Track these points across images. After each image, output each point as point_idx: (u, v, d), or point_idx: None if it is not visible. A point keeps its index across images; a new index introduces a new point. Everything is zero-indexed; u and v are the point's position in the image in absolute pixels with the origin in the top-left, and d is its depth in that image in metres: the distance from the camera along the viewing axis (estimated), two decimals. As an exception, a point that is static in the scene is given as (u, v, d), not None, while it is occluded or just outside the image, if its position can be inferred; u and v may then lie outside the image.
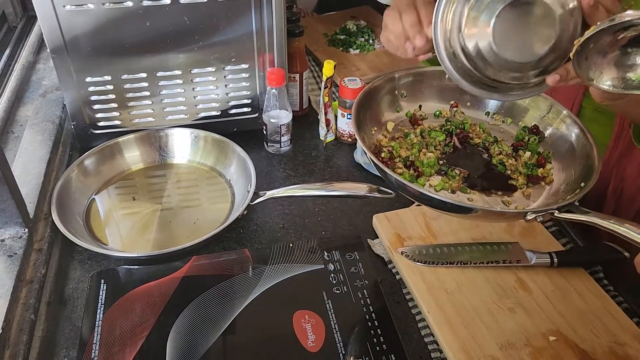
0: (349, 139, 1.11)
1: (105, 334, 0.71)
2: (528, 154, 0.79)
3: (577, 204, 0.64)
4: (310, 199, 0.97)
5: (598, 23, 0.53)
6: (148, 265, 0.82)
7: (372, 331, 0.71)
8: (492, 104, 0.85)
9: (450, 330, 0.72)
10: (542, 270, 0.79)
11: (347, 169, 1.06)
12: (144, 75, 0.99)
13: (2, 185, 0.75)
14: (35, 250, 0.81)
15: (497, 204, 0.72)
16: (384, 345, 0.70)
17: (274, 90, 1.02)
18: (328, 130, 1.10)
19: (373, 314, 0.74)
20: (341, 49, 1.40)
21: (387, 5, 1.01)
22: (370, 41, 1.41)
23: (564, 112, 0.79)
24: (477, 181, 0.76)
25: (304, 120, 1.17)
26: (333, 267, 0.80)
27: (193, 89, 1.03)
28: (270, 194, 0.90)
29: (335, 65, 1.04)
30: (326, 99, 1.06)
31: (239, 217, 0.86)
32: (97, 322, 0.72)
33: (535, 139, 0.80)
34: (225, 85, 1.04)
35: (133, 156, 1.02)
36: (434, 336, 0.73)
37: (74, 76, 0.97)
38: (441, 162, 0.77)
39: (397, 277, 0.82)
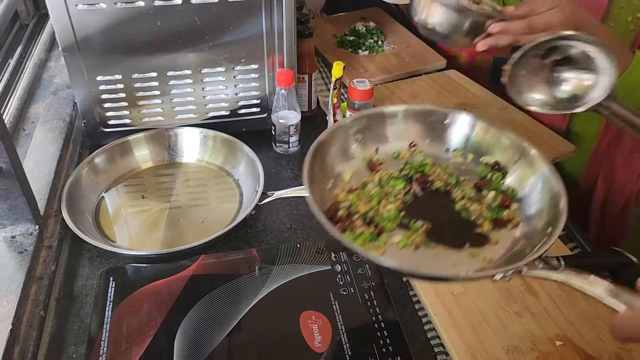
0: (357, 140, 1.11)
1: (113, 332, 0.71)
2: (492, 194, 0.70)
3: (546, 255, 0.58)
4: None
5: (521, 48, 0.55)
6: (156, 263, 0.83)
7: (378, 332, 0.72)
8: (452, 139, 0.76)
9: (457, 333, 0.72)
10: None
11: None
12: (154, 74, 1.00)
13: (13, 182, 0.76)
14: (45, 247, 0.82)
15: (465, 256, 0.64)
16: (390, 347, 0.70)
17: (283, 91, 1.02)
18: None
19: (379, 316, 0.74)
20: (350, 50, 1.40)
21: (395, 6, 1.02)
22: (380, 42, 1.42)
23: (532, 151, 0.69)
24: (442, 233, 0.67)
25: (313, 121, 1.18)
26: (340, 269, 0.80)
27: (203, 88, 1.04)
28: (278, 194, 0.91)
29: (344, 67, 1.05)
30: (335, 100, 1.06)
31: (247, 216, 0.87)
32: (105, 320, 0.73)
33: (498, 176, 0.72)
34: (235, 86, 1.05)
35: (142, 155, 1.03)
36: (440, 339, 0.73)
37: (85, 74, 0.97)
38: (403, 213, 0.68)
39: (404, 279, 0.82)
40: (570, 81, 0.61)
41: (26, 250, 0.78)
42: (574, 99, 0.63)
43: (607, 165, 0.95)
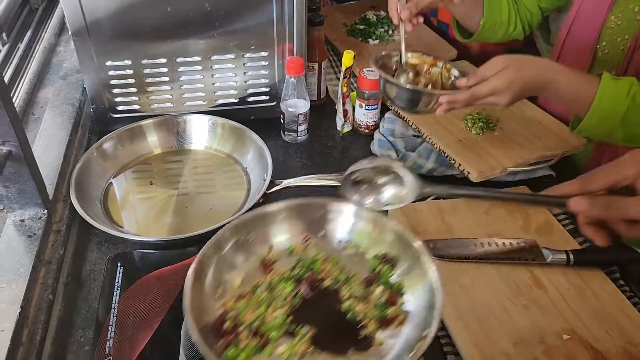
0: (366, 130, 1.10)
1: (120, 317, 0.72)
2: (380, 289, 0.68)
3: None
4: (326, 189, 0.97)
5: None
6: (164, 249, 0.83)
7: (385, 323, 0.71)
8: (343, 231, 0.74)
9: (463, 325, 0.72)
10: (558, 268, 0.79)
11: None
12: (163, 60, 0.99)
13: (23, 166, 0.76)
14: (54, 232, 0.82)
15: None
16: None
17: (292, 79, 1.01)
18: (345, 121, 1.10)
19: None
20: (360, 39, 1.39)
21: None
22: (390, 32, 1.40)
23: (415, 245, 0.68)
24: (327, 338, 0.64)
25: (322, 110, 1.17)
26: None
27: (212, 75, 1.03)
28: (286, 182, 0.91)
29: (354, 56, 1.04)
30: (344, 89, 1.05)
31: (255, 204, 0.87)
32: (113, 305, 0.73)
33: (387, 268, 0.70)
34: (244, 73, 1.04)
35: (151, 141, 1.03)
36: (446, 330, 0.73)
37: (95, 59, 0.97)
38: (290, 318, 0.65)
39: (411, 270, 0.82)
40: (388, 190, 0.70)
41: (35, 234, 0.78)
42: (392, 200, 0.71)
43: (609, 156, 0.95)
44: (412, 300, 0.66)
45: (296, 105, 1.05)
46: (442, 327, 0.74)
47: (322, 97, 1.18)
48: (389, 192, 0.69)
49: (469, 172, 0.91)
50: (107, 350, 0.68)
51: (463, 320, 0.72)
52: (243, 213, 0.85)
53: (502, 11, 1.08)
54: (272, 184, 0.91)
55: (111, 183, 0.96)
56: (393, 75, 0.94)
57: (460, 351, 0.70)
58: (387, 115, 1.09)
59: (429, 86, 0.93)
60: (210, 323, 0.63)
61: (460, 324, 0.72)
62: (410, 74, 0.94)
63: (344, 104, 1.07)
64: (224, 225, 0.82)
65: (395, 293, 0.67)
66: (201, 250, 0.67)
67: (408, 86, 0.90)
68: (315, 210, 0.74)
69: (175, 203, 0.94)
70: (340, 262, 0.72)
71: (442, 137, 0.98)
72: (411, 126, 1.05)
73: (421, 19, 0.99)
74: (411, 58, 0.95)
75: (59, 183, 0.88)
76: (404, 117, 1.06)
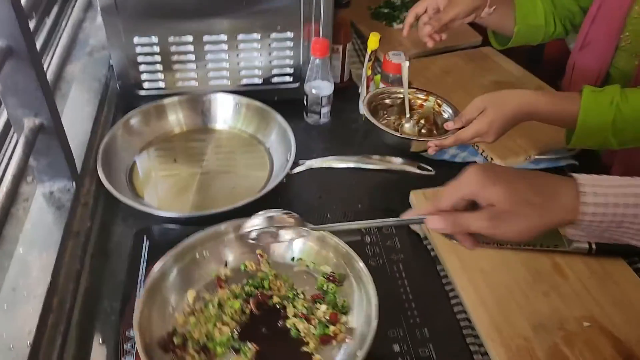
0: (389, 114, 1.10)
1: (147, 289, 0.73)
2: (324, 307, 0.71)
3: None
4: (348, 171, 0.98)
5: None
6: (187, 225, 0.84)
7: (406, 304, 0.73)
8: (296, 248, 0.78)
9: (483, 308, 0.72)
10: (580, 257, 0.79)
11: (385, 144, 1.05)
12: (190, 38, 1.00)
13: (53, 139, 0.77)
14: (81, 204, 0.84)
15: None
16: (417, 319, 0.71)
17: (317, 61, 1.01)
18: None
19: (408, 287, 0.75)
20: (384, 22, 1.38)
21: None
22: (414, 16, 1.39)
23: (359, 264, 0.71)
24: (270, 355, 0.67)
25: (344, 93, 1.17)
26: (370, 240, 0.81)
27: (237, 55, 1.04)
28: (309, 163, 0.91)
29: (380, 39, 1.03)
30: (369, 72, 1.05)
31: (278, 184, 0.88)
32: (139, 277, 0.75)
33: (333, 287, 0.73)
34: (269, 53, 1.05)
35: (176, 118, 1.04)
36: (466, 313, 0.74)
37: (122, 36, 0.98)
38: (237, 335, 0.69)
39: (432, 253, 0.82)
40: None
41: (64, 206, 0.80)
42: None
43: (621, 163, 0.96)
44: (355, 318, 0.69)
45: (320, 87, 1.05)
46: (462, 310, 0.74)
47: (345, 80, 1.18)
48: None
49: (492, 159, 0.91)
50: (133, 320, 0.70)
51: (483, 303, 0.73)
52: (266, 192, 0.87)
53: (537, 15, 1.06)
54: (295, 164, 0.91)
55: (136, 159, 0.98)
56: (386, 113, 1.03)
57: (479, 333, 0.71)
58: (411, 99, 1.09)
59: (422, 121, 1.01)
60: (160, 338, 0.66)
61: (480, 307, 0.72)
62: (413, 123, 1.00)
63: (367, 87, 1.07)
64: (246, 204, 0.84)
65: (336, 313, 0.70)
66: (155, 265, 0.70)
67: (399, 135, 0.95)
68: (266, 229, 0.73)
69: (199, 181, 0.95)
70: (290, 280, 0.75)
71: (466, 123, 0.98)
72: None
73: (444, 36, 1.05)
74: (406, 93, 1.02)
75: (86, 157, 0.89)
76: (427, 102, 1.06)
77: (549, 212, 0.53)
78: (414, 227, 0.86)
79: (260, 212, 0.67)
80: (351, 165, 0.91)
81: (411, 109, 1.02)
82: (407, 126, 1.00)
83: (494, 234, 0.55)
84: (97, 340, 0.71)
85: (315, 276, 0.75)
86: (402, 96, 1.02)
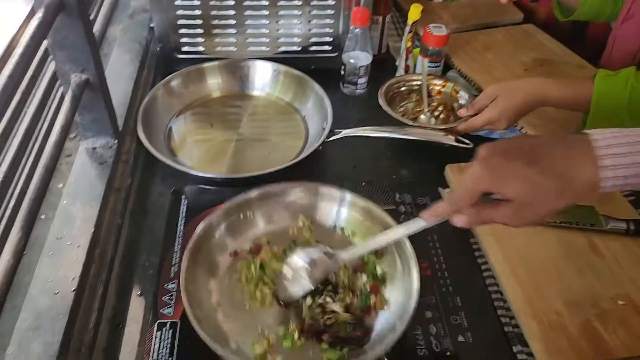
0: (426, 88, 1.10)
1: (185, 245, 0.75)
2: (364, 278, 0.71)
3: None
4: (383, 143, 0.98)
5: None
6: (222, 187, 0.85)
7: (438, 272, 0.73)
8: (340, 216, 0.78)
9: (517, 282, 0.72)
10: (616, 237, 0.78)
11: None
12: (231, 2, 1.00)
13: (98, 95, 0.79)
14: (122, 162, 0.86)
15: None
16: (450, 288, 0.72)
17: (357, 30, 1.01)
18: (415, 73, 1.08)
19: (441, 257, 0.75)
20: (424, -4, 1.36)
21: None
22: (455, -10, 1.37)
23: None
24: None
25: (381, 65, 1.16)
26: (404, 209, 0.81)
27: (277, 22, 1.04)
28: (345, 132, 0.92)
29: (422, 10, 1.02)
30: (409, 44, 1.04)
31: (313, 152, 0.88)
32: (178, 234, 0.77)
33: (373, 259, 0.73)
34: (309, 21, 1.04)
35: (215, 83, 1.05)
36: (498, 286, 0.74)
37: (165, -2, 0.99)
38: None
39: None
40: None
41: (106, 162, 0.82)
42: None
43: None
44: (396, 291, 0.69)
45: (358, 57, 1.04)
46: (494, 282, 0.75)
47: (382, 51, 1.17)
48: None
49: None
50: (171, 274, 0.72)
51: (516, 277, 0.73)
52: (302, 159, 0.87)
53: None
54: (331, 132, 0.92)
55: (175, 121, 0.99)
56: (404, 101, 1.04)
57: (511, 306, 0.71)
58: (450, 73, 1.08)
59: (440, 107, 1.03)
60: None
61: (513, 281, 0.73)
62: (428, 115, 1.01)
63: (406, 59, 1.06)
64: (283, 169, 0.85)
65: (376, 285, 0.70)
66: (197, 230, 0.71)
67: (413, 124, 0.95)
68: (311, 194, 0.78)
69: (234, 146, 0.96)
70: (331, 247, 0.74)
71: (506, 99, 0.97)
72: (474, 86, 1.03)
73: None
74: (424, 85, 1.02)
75: (126, 117, 0.91)
76: (467, 77, 1.05)
77: (569, 192, 0.51)
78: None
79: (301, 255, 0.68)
80: (387, 135, 0.91)
81: (429, 95, 1.03)
82: (423, 118, 1.01)
83: (518, 224, 0.55)
84: (136, 292, 0.73)
85: (356, 244, 0.75)
86: (419, 83, 1.03)
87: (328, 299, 0.68)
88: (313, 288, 0.66)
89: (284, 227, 0.78)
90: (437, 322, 0.68)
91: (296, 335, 0.64)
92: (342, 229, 0.78)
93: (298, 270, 0.66)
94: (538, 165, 0.51)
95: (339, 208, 0.78)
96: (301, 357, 0.64)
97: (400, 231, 0.65)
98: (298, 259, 0.67)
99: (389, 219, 0.73)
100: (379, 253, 0.73)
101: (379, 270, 0.72)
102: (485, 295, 0.73)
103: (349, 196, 0.77)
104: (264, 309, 0.68)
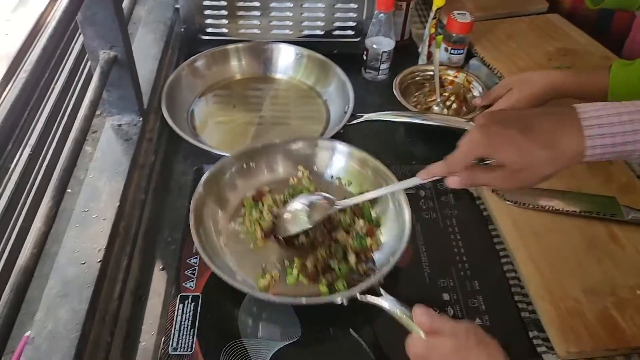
0: (448, 75, 1.09)
1: (207, 222, 0.76)
2: (361, 222, 0.76)
3: (381, 282, 0.64)
4: (404, 128, 0.98)
5: None
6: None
7: (457, 257, 0.74)
8: (337, 166, 0.84)
9: (535, 268, 0.73)
10: (637, 227, 0.78)
11: None
12: (256, -15, 1.01)
13: (126, 72, 0.80)
14: (146, 139, 0.87)
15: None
16: (468, 272, 0.72)
17: (381, 15, 1.01)
18: (427, 63, 1.09)
19: (460, 242, 0.76)
20: (448, -17, 1.35)
21: None
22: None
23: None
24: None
25: (403, 51, 1.16)
26: (424, 194, 0.82)
27: (301, 5, 1.04)
28: (367, 116, 0.92)
29: (445, -3, 1.02)
30: (432, 30, 1.04)
31: (334, 135, 0.89)
32: (200, 211, 0.78)
33: (368, 205, 0.78)
34: (333, 5, 1.04)
35: (238, 65, 1.06)
36: (516, 272, 0.74)
37: (190, -21, 0.99)
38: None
39: (485, 213, 0.82)
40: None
41: (131, 139, 0.83)
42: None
43: None
44: (389, 233, 0.75)
45: (381, 42, 1.04)
46: (512, 269, 0.75)
47: (405, 38, 1.17)
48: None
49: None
50: (194, 249, 0.73)
51: (534, 263, 0.73)
52: (323, 141, 0.88)
53: None
54: (352, 116, 0.92)
55: (197, 101, 1.00)
56: (418, 91, 1.05)
57: (528, 292, 0.71)
58: (472, 61, 1.08)
59: (452, 97, 1.04)
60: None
61: (531, 267, 0.73)
62: (441, 107, 1.02)
63: (429, 46, 1.06)
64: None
65: (373, 228, 0.75)
66: (209, 170, 0.77)
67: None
68: (310, 147, 0.84)
69: (256, 128, 0.97)
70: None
71: (528, 88, 0.97)
72: (496, 74, 1.03)
73: None
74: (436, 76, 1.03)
75: (151, 95, 0.92)
76: (489, 65, 1.05)
77: (557, 160, 0.57)
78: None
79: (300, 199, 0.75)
80: (409, 120, 0.91)
81: (441, 85, 1.04)
82: (436, 109, 1.02)
83: (509, 187, 0.60)
84: (158, 266, 0.75)
85: (352, 192, 0.81)
86: (432, 73, 1.04)
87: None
88: (310, 227, 0.72)
89: (285, 177, 0.83)
90: (454, 304, 0.69)
91: (296, 274, 0.70)
92: (338, 178, 0.84)
93: (298, 212, 0.73)
94: (530, 134, 0.57)
95: (336, 159, 0.84)
96: (300, 289, 0.69)
97: (396, 186, 0.74)
98: (298, 202, 0.75)
99: (383, 167, 0.79)
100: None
101: (373, 214, 0.77)
102: (502, 280, 0.74)
103: (343, 147, 0.82)
104: (267, 249, 0.74)
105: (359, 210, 0.78)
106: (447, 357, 0.52)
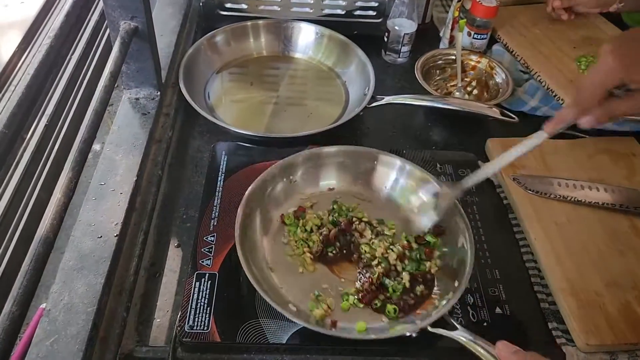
0: (469, 60, 1.07)
1: (224, 200, 0.75)
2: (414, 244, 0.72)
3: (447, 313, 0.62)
4: (424, 113, 0.96)
5: None
6: (260, 146, 0.85)
7: (477, 245, 0.72)
8: (390, 180, 0.79)
9: (556, 259, 0.72)
10: (661, 221, 0.77)
11: None
12: (278, -40, 0.98)
13: (145, 44, 0.78)
14: (163, 114, 0.86)
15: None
16: (488, 260, 0.71)
17: (404, -4, 0.99)
18: (450, 47, 1.07)
19: (480, 229, 0.74)
20: (471, -33, 1.32)
21: None
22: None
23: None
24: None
25: (424, 35, 1.13)
26: (444, 180, 0.80)
27: (323, -18, 1.02)
28: (388, 99, 0.90)
29: (471, -21, 1.00)
30: (456, 13, 1.02)
31: (353, 117, 0.87)
32: (217, 188, 0.77)
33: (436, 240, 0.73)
34: (355, -16, 1.02)
35: (258, 42, 1.04)
36: (536, 263, 0.73)
37: (210, -48, 0.97)
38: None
39: (505, 202, 0.81)
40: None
41: (149, 112, 0.82)
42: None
43: None
44: (446, 257, 0.71)
45: (403, 24, 1.02)
46: (532, 259, 0.74)
47: (427, 21, 1.14)
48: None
49: (578, 113, 0.88)
50: (211, 227, 0.72)
51: (555, 254, 0.72)
52: (343, 122, 0.86)
53: None
54: (372, 99, 0.90)
55: (215, 77, 0.99)
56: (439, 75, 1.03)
57: (549, 282, 0.70)
58: (495, 47, 1.06)
59: (474, 82, 1.02)
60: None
61: (552, 258, 0.72)
62: (462, 92, 1.00)
63: (452, 29, 1.04)
64: (324, 131, 0.84)
65: (431, 250, 0.71)
66: (250, 187, 0.72)
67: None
68: (366, 160, 0.79)
69: (274, 106, 0.95)
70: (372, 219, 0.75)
71: (553, 76, 0.95)
72: (519, 61, 1.01)
73: (572, 16, 1.06)
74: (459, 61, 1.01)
75: (169, 70, 0.91)
76: (512, 51, 1.03)
77: None
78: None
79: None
80: (430, 104, 0.89)
81: (463, 70, 1.02)
82: (457, 94, 1.00)
83: None
84: (174, 243, 0.74)
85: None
86: (454, 57, 1.02)
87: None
88: (439, 219, 0.70)
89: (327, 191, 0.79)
90: (474, 292, 0.67)
91: (353, 300, 0.66)
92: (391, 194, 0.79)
93: (423, 205, 0.70)
94: None
95: (392, 176, 0.79)
96: (357, 315, 0.65)
97: (519, 149, 0.65)
98: (421, 195, 0.72)
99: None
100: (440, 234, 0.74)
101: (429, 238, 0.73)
102: (522, 269, 0.73)
103: (404, 164, 0.78)
104: (317, 273, 0.69)
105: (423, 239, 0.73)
106: None
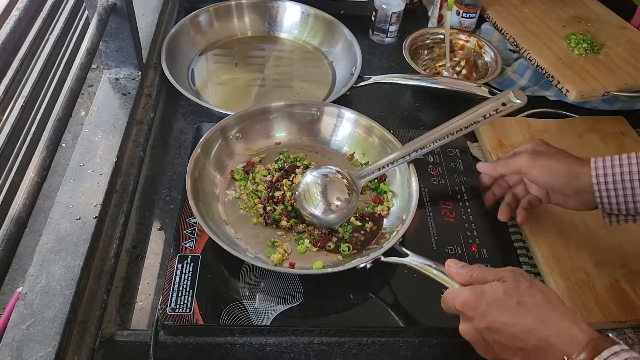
0: (458, 40, 1.06)
1: (207, 181, 0.73)
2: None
3: (398, 243, 0.64)
4: (412, 93, 0.95)
5: None
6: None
7: (465, 224, 0.71)
8: (342, 134, 0.80)
9: (544, 239, 0.71)
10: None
11: None
12: (262, -63, 0.96)
13: (124, 22, 0.76)
14: (145, 95, 0.84)
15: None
16: (476, 239, 0.70)
17: (392, -26, 0.97)
18: (438, 26, 1.05)
19: (468, 209, 0.73)
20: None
21: None
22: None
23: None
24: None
25: (412, 14, 1.12)
26: (432, 160, 0.79)
27: (308, -40, 0.99)
28: (375, 78, 0.89)
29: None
30: (445, -9, 1.00)
31: (340, 97, 0.85)
32: (200, 170, 0.75)
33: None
34: (342, -38, 1.00)
35: (242, 22, 1.02)
36: (524, 243, 0.72)
37: None
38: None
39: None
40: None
41: (129, 93, 0.80)
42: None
43: None
44: (398, 201, 0.73)
45: (390, 3, 1.01)
46: (520, 239, 0.73)
47: (414, 1, 1.12)
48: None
49: (567, 91, 0.87)
50: (193, 209, 0.70)
51: (544, 234, 0.71)
52: (331, 102, 0.85)
53: None
54: (360, 78, 0.89)
55: (198, 58, 0.96)
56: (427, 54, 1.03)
57: (537, 262, 0.70)
58: (484, 26, 1.04)
59: (462, 62, 1.01)
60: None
61: (540, 238, 0.71)
62: (451, 72, 0.99)
63: (440, 8, 1.02)
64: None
65: (379, 197, 0.74)
66: (207, 133, 0.73)
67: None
68: (313, 112, 0.79)
69: (259, 87, 0.93)
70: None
71: (542, 53, 0.93)
72: (509, 40, 0.99)
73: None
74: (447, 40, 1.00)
75: (151, 50, 0.89)
76: (501, 30, 1.01)
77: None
78: (476, 154, 0.84)
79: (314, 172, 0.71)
80: (418, 83, 0.88)
81: (452, 49, 1.01)
82: (446, 74, 0.98)
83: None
84: (156, 225, 0.72)
85: (360, 162, 0.78)
86: (443, 37, 1.01)
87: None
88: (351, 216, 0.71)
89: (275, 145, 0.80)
90: (462, 272, 0.66)
91: (308, 244, 0.68)
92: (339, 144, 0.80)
93: (333, 207, 0.69)
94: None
95: (341, 126, 0.80)
96: (313, 257, 0.67)
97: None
98: (312, 177, 0.70)
99: (389, 134, 0.76)
100: (383, 176, 0.76)
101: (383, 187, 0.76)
102: (510, 249, 0.72)
103: (350, 113, 0.79)
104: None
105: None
106: (499, 301, 0.49)
